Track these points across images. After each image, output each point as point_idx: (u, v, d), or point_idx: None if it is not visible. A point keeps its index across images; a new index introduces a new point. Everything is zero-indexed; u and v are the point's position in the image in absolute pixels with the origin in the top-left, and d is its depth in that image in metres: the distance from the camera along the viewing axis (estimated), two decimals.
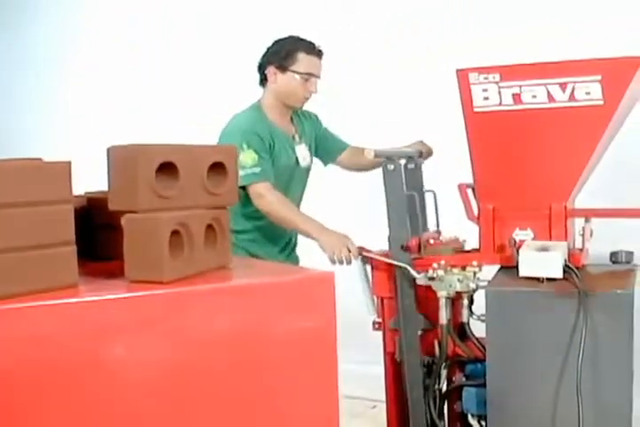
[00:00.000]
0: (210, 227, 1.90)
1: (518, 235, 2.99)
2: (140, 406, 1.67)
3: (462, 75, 2.90)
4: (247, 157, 3.35)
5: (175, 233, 1.77)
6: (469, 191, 3.24)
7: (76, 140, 5.70)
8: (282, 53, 3.50)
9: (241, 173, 3.23)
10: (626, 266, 2.99)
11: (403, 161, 3.24)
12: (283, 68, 3.50)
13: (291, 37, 3.55)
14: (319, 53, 3.53)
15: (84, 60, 6.06)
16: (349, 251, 3.19)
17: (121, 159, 1.76)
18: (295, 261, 3.78)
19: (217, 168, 1.92)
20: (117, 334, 1.64)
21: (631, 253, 3.00)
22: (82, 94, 6.01)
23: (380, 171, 3.07)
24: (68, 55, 6.12)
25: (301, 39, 3.53)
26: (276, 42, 3.57)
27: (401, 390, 3.20)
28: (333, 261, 3.19)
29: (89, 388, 1.61)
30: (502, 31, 4.34)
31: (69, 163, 1.69)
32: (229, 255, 2.01)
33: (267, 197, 3.38)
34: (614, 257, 3.02)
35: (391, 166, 3.04)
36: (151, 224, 1.75)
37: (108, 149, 1.77)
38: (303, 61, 3.49)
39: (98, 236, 1.98)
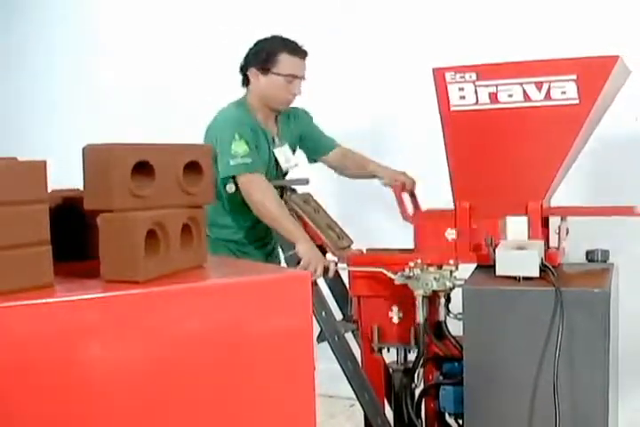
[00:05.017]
0: (186, 226, 1.89)
1: None
2: (117, 407, 1.66)
3: (439, 74, 2.91)
4: (239, 147, 3.23)
5: (151, 232, 1.76)
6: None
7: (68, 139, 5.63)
8: (263, 55, 3.36)
9: (232, 162, 3.21)
10: (602, 264, 3.01)
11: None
12: (264, 69, 3.36)
13: (273, 37, 3.41)
14: (302, 54, 3.39)
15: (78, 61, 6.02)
16: (325, 269, 3.17)
17: (96, 158, 1.74)
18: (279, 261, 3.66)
19: (193, 167, 1.91)
20: (93, 335, 1.63)
21: (607, 251, 3.03)
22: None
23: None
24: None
25: (284, 39, 3.39)
26: (258, 42, 3.43)
27: (379, 388, 3.22)
28: (304, 269, 3.09)
29: (64, 388, 1.60)
30: (479, 30, 4.35)
31: (44, 162, 1.67)
32: (205, 254, 2.00)
33: (259, 189, 3.24)
34: (590, 256, 3.04)
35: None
36: (127, 224, 1.73)
37: (84, 149, 1.75)
38: (285, 63, 3.35)
39: (73, 235, 1.96)
